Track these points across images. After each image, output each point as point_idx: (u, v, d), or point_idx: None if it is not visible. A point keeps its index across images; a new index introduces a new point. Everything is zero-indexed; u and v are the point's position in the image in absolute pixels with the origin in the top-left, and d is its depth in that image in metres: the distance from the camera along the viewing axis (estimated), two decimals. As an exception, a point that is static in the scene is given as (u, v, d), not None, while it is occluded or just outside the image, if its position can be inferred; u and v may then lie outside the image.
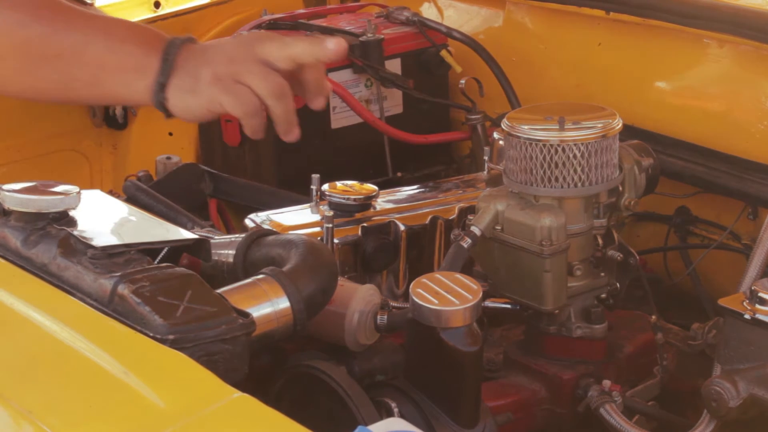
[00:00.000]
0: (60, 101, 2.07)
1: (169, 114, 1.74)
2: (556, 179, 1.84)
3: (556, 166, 1.83)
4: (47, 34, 1.74)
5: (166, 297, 1.42)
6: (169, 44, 1.73)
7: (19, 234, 1.58)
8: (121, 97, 1.81)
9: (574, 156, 1.83)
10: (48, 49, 1.74)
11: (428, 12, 2.78)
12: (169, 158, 2.33)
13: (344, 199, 2.00)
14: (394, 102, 2.57)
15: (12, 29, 1.75)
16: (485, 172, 2.12)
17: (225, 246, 1.73)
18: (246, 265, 1.69)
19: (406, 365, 1.68)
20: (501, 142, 2.02)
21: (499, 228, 1.86)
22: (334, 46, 1.72)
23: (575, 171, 1.83)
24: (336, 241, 1.92)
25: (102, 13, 1.87)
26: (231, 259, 1.71)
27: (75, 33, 1.74)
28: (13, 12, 1.76)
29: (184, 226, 1.93)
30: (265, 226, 1.97)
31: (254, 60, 1.70)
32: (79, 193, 1.61)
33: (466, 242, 1.84)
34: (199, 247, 1.64)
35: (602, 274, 1.92)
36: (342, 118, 2.49)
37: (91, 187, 2.67)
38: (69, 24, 1.75)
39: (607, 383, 1.85)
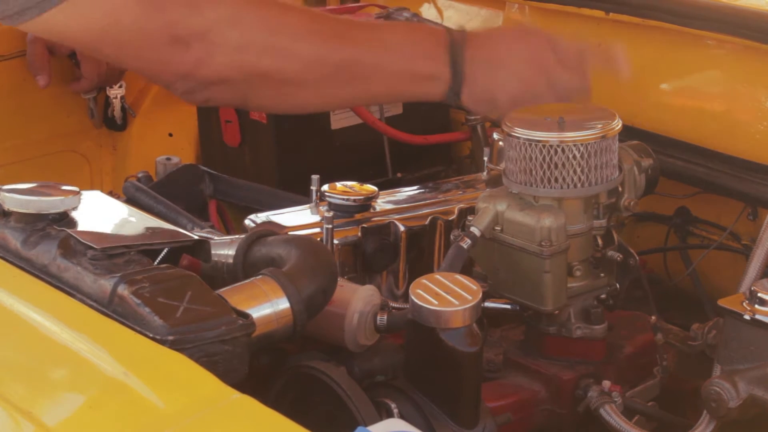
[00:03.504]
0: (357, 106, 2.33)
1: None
2: (556, 180, 1.84)
3: (556, 166, 1.83)
4: (352, 58, 1.91)
5: (165, 298, 1.43)
6: (452, 50, 1.91)
7: (19, 235, 1.58)
8: (418, 100, 2.00)
9: (574, 156, 1.83)
10: (350, 73, 1.91)
11: (428, 12, 2.78)
12: (169, 159, 2.33)
13: (344, 199, 2.00)
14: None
15: (324, 57, 1.90)
16: (485, 173, 2.12)
17: (225, 247, 1.73)
18: (246, 265, 1.69)
19: (405, 366, 1.68)
20: (501, 143, 2.02)
21: (498, 229, 1.86)
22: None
23: (575, 172, 1.84)
24: (336, 241, 1.92)
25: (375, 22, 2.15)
26: (231, 260, 1.71)
27: (367, 53, 1.91)
28: (323, 41, 1.90)
29: (184, 227, 1.93)
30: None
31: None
32: (79, 194, 1.61)
33: (466, 243, 1.84)
34: (199, 248, 1.65)
35: (602, 274, 1.93)
36: (342, 118, 2.49)
37: (91, 187, 2.67)
38: (364, 44, 1.92)
39: (606, 384, 1.85)
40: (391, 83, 1.93)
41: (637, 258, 1.92)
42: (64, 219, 1.60)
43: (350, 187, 2.03)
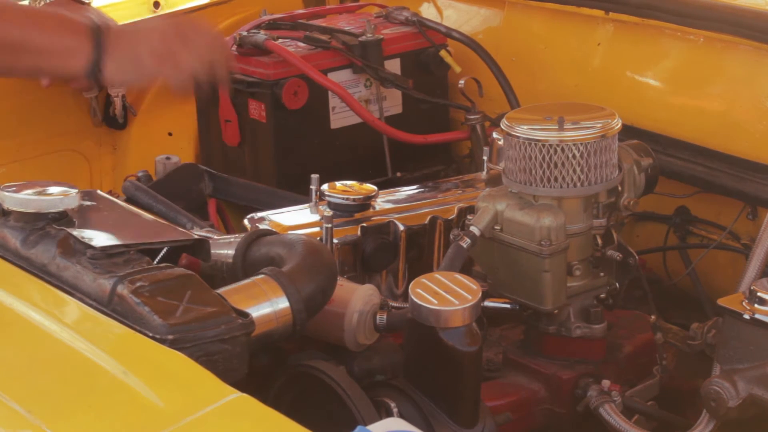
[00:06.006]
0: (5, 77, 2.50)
1: (101, 85, 2.39)
2: (555, 179, 1.84)
3: (556, 166, 1.83)
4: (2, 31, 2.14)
5: (165, 297, 1.42)
6: (94, 29, 2.16)
7: (18, 234, 1.58)
8: (58, 75, 2.27)
9: (573, 156, 1.83)
10: None
11: (428, 12, 2.78)
12: (168, 158, 2.33)
13: (344, 199, 2.00)
14: (394, 102, 2.57)
15: None
16: (484, 172, 2.12)
17: (224, 246, 1.73)
18: (245, 265, 1.68)
19: (405, 365, 1.68)
20: (500, 142, 2.02)
21: (498, 228, 1.86)
22: None
23: (574, 171, 1.84)
24: (335, 241, 1.92)
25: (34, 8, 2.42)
26: (230, 260, 1.71)
27: (15, 28, 2.16)
28: None
29: (184, 226, 1.93)
30: (265, 227, 1.97)
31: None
32: (78, 193, 1.61)
33: (466, 242, 1.84)
34: (199, 248, 1.64)
35: (601, 274, 1.93)
36: (341, 118, 2.49)
37: (91, 187, 2.67)
38: (13, 20, 2.17)
39: (606, 383, 1.85)
40: (36, 56, 2.16)
41: (637, 257, 1.92)
42: (64, 218, 1.60)
43: (350, 187, 2.03)
